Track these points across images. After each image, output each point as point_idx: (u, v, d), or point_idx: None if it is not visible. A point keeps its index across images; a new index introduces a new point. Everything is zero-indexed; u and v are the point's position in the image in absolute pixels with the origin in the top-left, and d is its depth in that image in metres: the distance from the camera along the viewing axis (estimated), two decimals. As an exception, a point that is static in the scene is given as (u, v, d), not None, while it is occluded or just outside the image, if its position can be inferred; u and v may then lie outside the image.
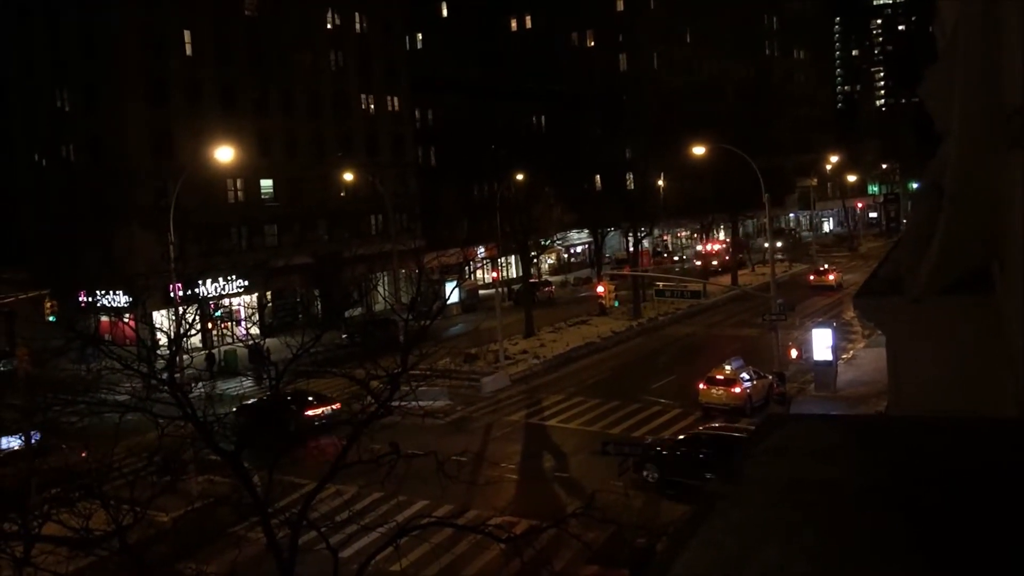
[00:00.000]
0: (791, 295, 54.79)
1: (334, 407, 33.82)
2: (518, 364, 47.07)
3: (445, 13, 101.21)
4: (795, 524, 3.27)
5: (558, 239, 73.39)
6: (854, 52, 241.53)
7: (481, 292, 69.22)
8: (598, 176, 75.87)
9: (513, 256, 72.74)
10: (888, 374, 8.36)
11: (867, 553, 3.13)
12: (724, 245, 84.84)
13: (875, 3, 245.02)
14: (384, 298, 57.90)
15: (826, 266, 72.65)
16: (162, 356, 16.59)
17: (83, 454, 17.06)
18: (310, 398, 33.11)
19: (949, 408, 6.41)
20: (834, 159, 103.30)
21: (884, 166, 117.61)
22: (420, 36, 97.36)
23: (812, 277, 70.47)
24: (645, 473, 27.16)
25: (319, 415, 32.95)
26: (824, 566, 3.07)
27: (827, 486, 3.56)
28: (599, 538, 21.80)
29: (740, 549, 3.12)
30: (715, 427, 29.61)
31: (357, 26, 69.03)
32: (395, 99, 71.59)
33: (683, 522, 3.56)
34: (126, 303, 51.78)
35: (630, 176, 77.45)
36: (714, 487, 3.74)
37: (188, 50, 57.32)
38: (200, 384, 23.36)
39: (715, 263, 78.65)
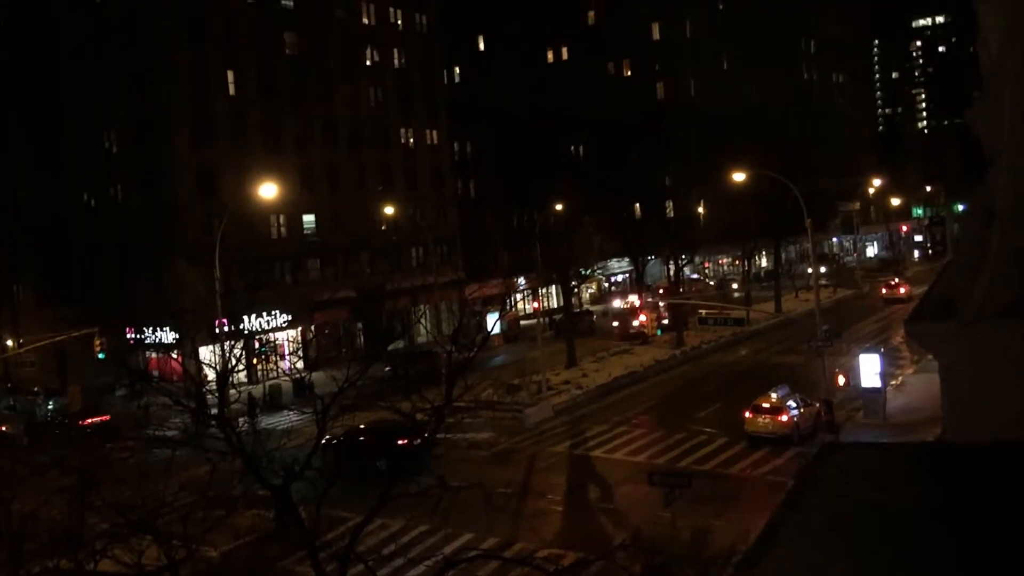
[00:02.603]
0: (837, 321, 54.11)
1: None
2: (561, 394, 46.87)
3: (482, 47, 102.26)
4: (860, 549, 3.22)
5: (598, 268, 73.25)
6: (894, 74, 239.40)
7: (522, 323, 69.21)
8: (638, 204, 75.76)
9: (554, 286, 72.74)
10: (941, 399, 8.20)
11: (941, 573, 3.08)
12: (657, 299, 68.70)
13: (914, 25, 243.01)
14: (426, 330, 58.14)
15: (898, 279, 77.58)
16: (209, 391, 16.79)
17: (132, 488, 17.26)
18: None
19: (1005, 433, 6.28)
20: (877, 182, 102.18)
21: (928, 188, 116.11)
22: (458, 69, 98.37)
23: (884, 291, 75.15)
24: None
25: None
26: None
27: (886, 512, 3.51)
28: (646, 570, 21.54)
29: (808, 573, 3.09)
30: (379, 420, 31.03)
31: (396, 61, 69.98)
32: (434, 132, 72.30)
33: (749, 550, 3.53)
34: (173, 339, 52.57)
35: (670, 203, 77.22)
36: (777, 515, 3.71)
37: (232, 89, 58.47)
38: (244, 420, 23.59)
39: (638, 324, 62.75)
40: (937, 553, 3.27)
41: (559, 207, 62.05)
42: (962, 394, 7.27)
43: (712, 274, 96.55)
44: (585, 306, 79.60)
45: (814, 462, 4.58)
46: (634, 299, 67.54)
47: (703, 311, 58.02)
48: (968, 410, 7.17)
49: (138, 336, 55.54)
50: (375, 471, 24.40)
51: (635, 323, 63.03)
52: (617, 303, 71.24)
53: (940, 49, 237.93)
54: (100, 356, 48.02)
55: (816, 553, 3.37)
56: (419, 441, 32.42)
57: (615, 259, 78.70)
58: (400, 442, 29.88)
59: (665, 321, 63.01)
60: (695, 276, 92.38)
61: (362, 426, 31.99)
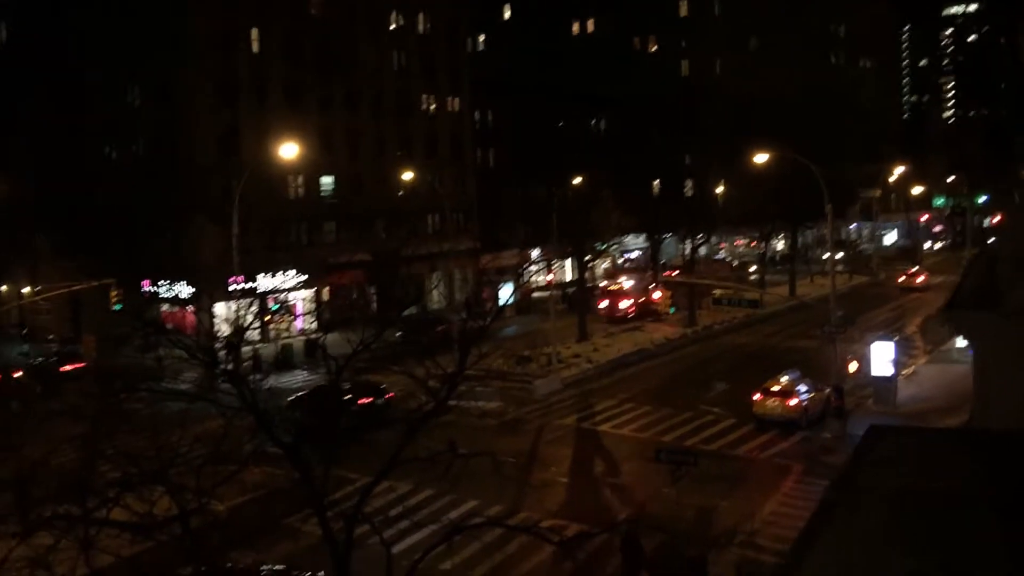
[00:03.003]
0: (851, 308, 53.94)
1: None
2: (571, 368, 46.98)
3: (508, 15, 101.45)
4: (919, 533, 3.24)
5: (614, 244, 73.04)
6: (922, 62, 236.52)
7: (535, 295, 69.21)
8: (656, 181, 75.36)
9: (568, 260, 72.59)
10: (974, 386, 8.21)
11: (1001, 565, 3.09)
12: (645, 280, 68.11)
13: (945, 13, 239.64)
14: (441, 296, 58.23)
15: (916, 268, 78.27)
16: (223, 347, 16.90)
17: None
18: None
19: None
20: (899, 170, 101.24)
21: (951, 179, 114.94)
22: (482, 38, 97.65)
23: (902, 279, 75.35)
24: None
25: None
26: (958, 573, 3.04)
27: (938, 496, 3.53)
28: (649, 546, 21.68)
29: (869, 557, 3.11)
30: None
31: (420, 27, 69.56)
32: (456, 100, 71.96)
33: (804, 529, 3.56)
34: (189, 294, 52.86)
35: (689, 182, 76.78)
36: (830, 495, 3.74)
37: (256, 48, 58.33)
38: (257, 376, 23.76)
39: (624, 307, 61.97)
40: (997, 542, 3.28)
41: (577, 181, 61.80)
42: (997, 381, 7.27)
43: (728, 256, 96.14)
44: (599, 281, 79.51)
45: (863, 444, 4.59)
46: (624, 280, 65.96)
47: (717, 291, 57.77)
48: (1002, 398, 7.17)
49: (154, 290, 55.87)
50: (337, 427, 24.58)
51: (623, 305, 61.35)
52: (606, 284, 67.32)
53: (971, 38, 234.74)
54: (116, 307, 48.35)
55: (875, 536, 3.39)
56: (381, 401, 33.53)
57: (631, 235, 78.42)
58: (362, 401, 32.09)
59: (655, 299, 62.55)
60: (722, 256, 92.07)
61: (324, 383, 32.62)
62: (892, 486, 3.85)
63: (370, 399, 33.63)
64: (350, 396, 32.13)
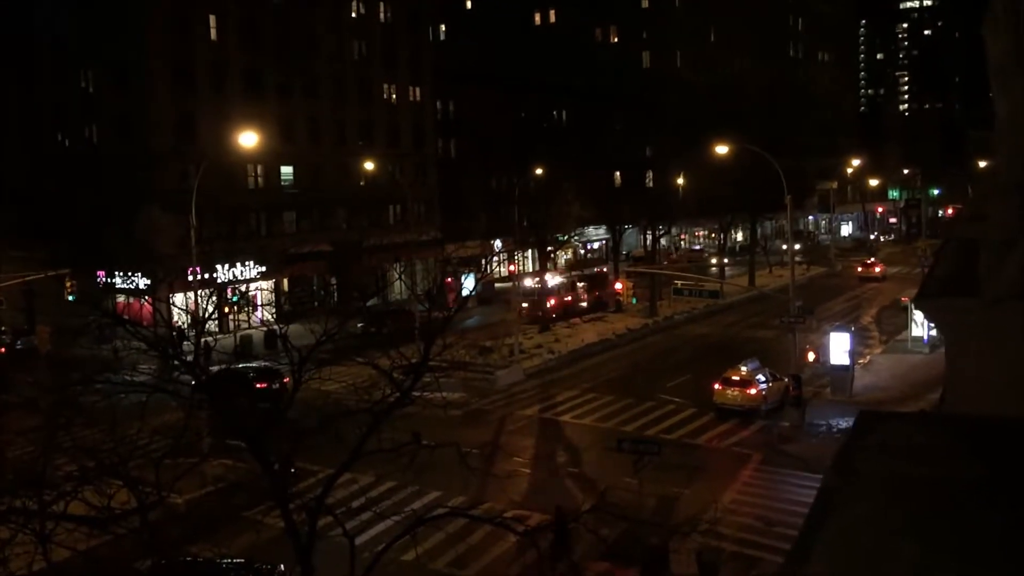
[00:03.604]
0: (809, 298, 54.61)
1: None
2: (533, 358, 47.09)
3: (470, 5, 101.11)
4: (925, 521, 3.26)
5: (576, 234, 73.29)
6: (879, 56, 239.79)
7: (497, 285, 69.25)
8: (618, 173, 75.65)
9: (530, 250, 72.67)
10: (946, 373, 8.35)
11: (1012, 551, 3.11)
12: (571, 277, 65.17)
13: (901, 7, 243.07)
14: (404, 287, 57.96)
15: (873, 259, 79.92)
16: (180, 338, 16.67)
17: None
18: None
19: (1004, 409, 6.41)
20: (856, 163, 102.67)
21: (906, 171, 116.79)
22: (444, 28, 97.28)
23: (860, 269, 77.17)
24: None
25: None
26: (971, 565, 3.06)
27: (937, 483, 3.56)
28: (612, 535, 21.81)
29: (877, 544, 3.12)
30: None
31: (382, 15, 69.06)
32: (417, 90, 71.60)
33: (808, 516, 3.56)
34: (145, 285, 52.09)
35: (650, 174, 77.23)
36: (830, 481, 3.75)
37: (213, 34, 57.49)
38: (216, 368, 23.46)
39: (547, 308, 57.40)
40: (1004, 530, 3.31)
41: (539, 172, 61.83)
42: (968, 369, 7.40)
43: (686, 246, 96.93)
44: (519, 278, 79.62)
45: (856, 429, 4.62)
46: (550, 277, 62.24)
47: (679, 282, 58.21)
48: (972, 385, 7.29)
49: (109, 280, 54.98)
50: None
51: (548, 305, 57.40)
52: (528, 282, 61.41)
53: (926, 32, 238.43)
54: (71, 298, 47.53)
55: (880, 524, 3.40)
56: (276, 385, 34.17)
57: (592, 226, 78.75)
58: (260, 385, 33.42)
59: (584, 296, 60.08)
60: (697, 247, 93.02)
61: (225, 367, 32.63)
62: (892, 471, 3.88)
63: (266, 383, 34.02)
64: (252, 380, 33.24)
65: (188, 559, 19.57)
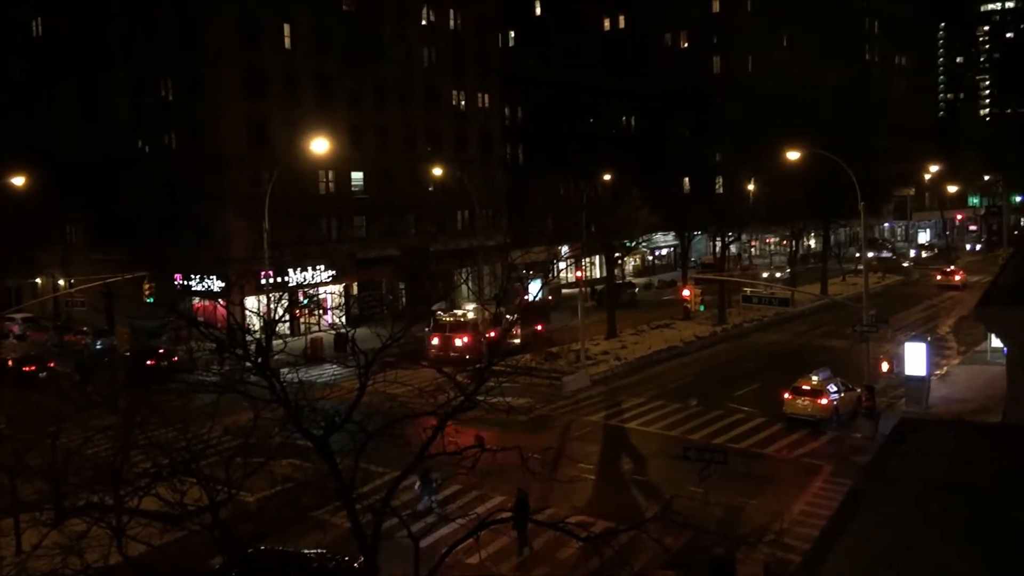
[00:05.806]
0: (884, 307, 53.36)
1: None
2: (599, 365, 46.87)
3: (539, 11, 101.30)
4: (949, 522, 3.19)
5: (643, 241, 72.78)
6: (958, 59, 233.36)
7: (564, 291, 69.13)
8: (686, 178, 74.95)
9: (597, 256, 72.36)
10: (1008, 383, 8.08)
11: None
12: (496, 312, 39.18)
13: (982, 9, 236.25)
14: (471, 292, 58.25)
15: (953, 267, 77.91)
16: (255, 339, 17.00)
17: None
18: None
19: None
20: (933, 169, 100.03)
21: (987, 178, 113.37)
22: (512, 34, 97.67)
23: (939, 277, 75.27)
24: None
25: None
26: (995, 566, 3.00)
27: (970, 487, 3.48)
28: (676, 544, 21.58)
29: (898, 543, 3.08)
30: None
31: (451, 22, 69.65)
32: (485, 95, 71.99)
33: (832, 516, 3.51)
34: (220, 288, 53.28)
35: (719, 179, 76.35)
36: (859, 485, 3.69)
37: (287, 43, 58.65)
38: (289, 370, 23.86)
39: (460, 345, 46.12)
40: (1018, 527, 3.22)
41: (607, 177, 61.56)
42: None
43: (758, 253, 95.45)
44: (628, 278, 79.26)
45: (893, 436, 4.53)
46: (470, 309, 52.07)
47: (747, 289, 57.36)
48: None
49: (185, 283, 56.38)
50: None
51: (458, 343, 46.59)
52: (442, 314, 49.80)
53: (1008, 35, 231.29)
54: (149, 300, 48.84)
55: (905, 524, 3.34)
56: (165, 363, 37.93)
57: (660, 233, 78.10)
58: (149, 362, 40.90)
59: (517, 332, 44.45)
60: (747, 263, 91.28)
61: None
62: (922, 476, 3.80)
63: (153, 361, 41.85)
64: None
65: (266, 548, 19.93)
